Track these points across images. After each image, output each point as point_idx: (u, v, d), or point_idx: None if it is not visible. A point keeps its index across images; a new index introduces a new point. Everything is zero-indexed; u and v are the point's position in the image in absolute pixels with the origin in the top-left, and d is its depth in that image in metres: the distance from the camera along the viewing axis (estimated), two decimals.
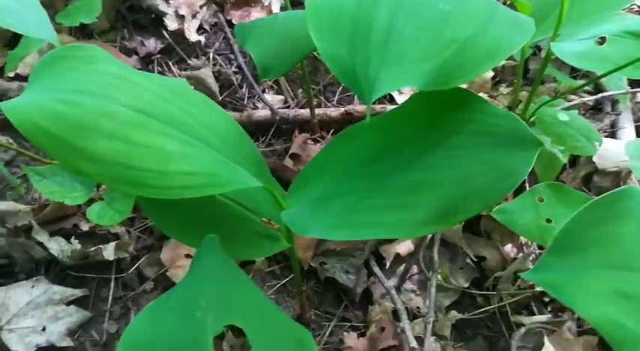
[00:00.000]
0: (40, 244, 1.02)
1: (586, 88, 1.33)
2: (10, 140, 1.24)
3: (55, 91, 0.60)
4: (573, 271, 0.55)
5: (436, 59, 0.56)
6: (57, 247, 1.01)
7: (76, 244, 1.02)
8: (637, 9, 1.52)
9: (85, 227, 1.06)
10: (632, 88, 1.24)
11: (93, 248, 1.02)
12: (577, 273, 0.55)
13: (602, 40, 0.89)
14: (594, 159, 1.17)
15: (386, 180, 0.63)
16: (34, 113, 0.57)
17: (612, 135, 1.30)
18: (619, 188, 0.59)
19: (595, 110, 1.36)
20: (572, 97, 1.26)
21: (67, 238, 1.03)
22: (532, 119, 1.00)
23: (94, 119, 0.58)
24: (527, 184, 1.07)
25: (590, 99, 1.22)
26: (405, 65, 0.55)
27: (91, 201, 0.95)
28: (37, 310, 0.97)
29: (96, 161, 0.56)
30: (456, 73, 0.56)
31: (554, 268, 0.56)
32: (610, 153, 1.19)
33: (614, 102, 1.34)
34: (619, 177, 1.18)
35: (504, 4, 1.39)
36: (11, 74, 1.27)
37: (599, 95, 1.22)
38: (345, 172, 0.69)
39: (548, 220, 0.88)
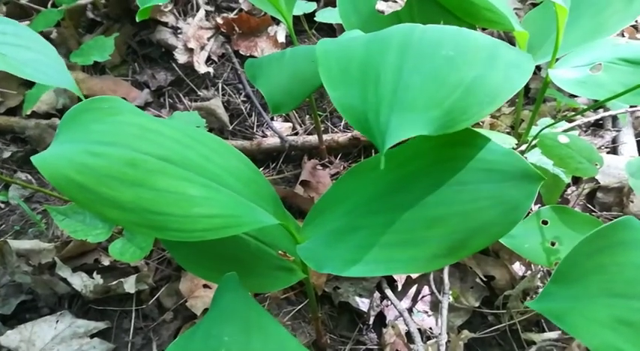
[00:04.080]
0: (64, 279, 1.06)
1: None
2: (29, 176, 1.28)
3: (81, 143, 0.64)
4: (576, 300, 0.58)
5: (442, 105, 0.59)
6: (80, 282, 1.05)
7: (98, 279, 1.05)
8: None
9: (105, 262, 1.10)
10: (632, 106, 1.27)
11: (114, 282, 1.05)
12: (579, 302, 0.57)
13: (597, 66, 0.93)
14: (597, 176, 1.20)
15: (398, 215, 0.66)
16: (62, 166, 0.60)
17: (614, 151, 1.33)
18: (618, 219, 0.62)
19: (596, 127, 1.39)
20: (574, 116, 1.29)
21: (89, 273, 1.07)
22: (534, 142, 1.03)
23: (120, 169, 0.62)
24: (532, 206, 1.10)
25: (590, 118, 1.25)
26: (414, 113, 0.58)
27: (111, 236, 0.99)
28: (62, 344, 1.00)
29: (123, 209, 0.60)
30: (460, 117, 0.59)
31: (558, 297, 0.58)
32: (612, 169, 1.22)
33: (614, 118, 1.37)
34: (622, 193, 1.21)
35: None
36: (28, 112, 1.31)
37: (600, 115, 1.25)
38: (358, 207, 0.71)
39: (553, 243, 0.91)
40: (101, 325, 1.04)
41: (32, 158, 0.61)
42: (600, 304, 0.57)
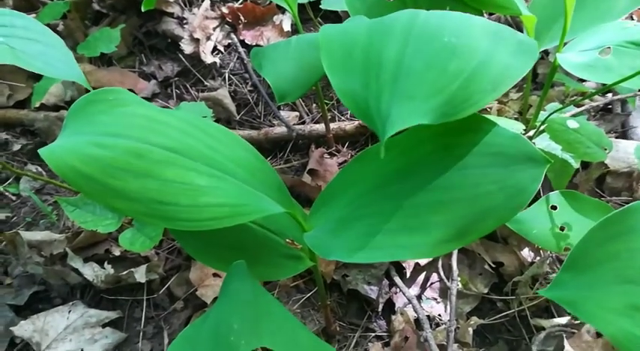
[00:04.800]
0: (75, 270, 1.07)
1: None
2: (39, 168, 1.29)
3: (88, 135, 0.64)
4: (588, 288, 0.57)
5: (444, 93, 0.58)
6: (91, 272, 1.06)
7: (109, 269, 1.06)
8: None
9: (116, 252, 1.11)
10: None
11: (125, 272, 1.06)
12: (592, 289, 0.57)
13: (605, 50, 0.92)
14: (606, 161, 1.19)
15: (404, 202, 0.65)
16: (69, 157, 0.61)
17: (623, 135, 1.31)
18: (629, 205, 0.61)
19: (605, 111, 1.37)
20: (582, 101, 1.27)
21: (100, 263, 1.08)
22: (543, 127, 1.02)
23: (127, 159, 0.62)
24: (541, 191, 1.10)
25: (599, 102, 1.24)
26: (415, 102, 0.58)
27: (121, 226, 1.00)
28: (75, 333, 1.02)
29: (130, 199, 0.60)
30: (462, 105, 0.58)
31: (570, 285, 0.58)
32: (622, 154, 1.21)
33: (623, 102, 1.35)
34: (631, 177, 1.20)
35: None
36: (37, 104, 1.32)
37: (608, 99, 1.24)
38: (364, 194, 0.71)
39: (562, 228, 0.90)
40: (113, 315, 1.05)
41: (40, 151, 0.61)
42: (614, 291, 0.57)
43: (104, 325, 1.04)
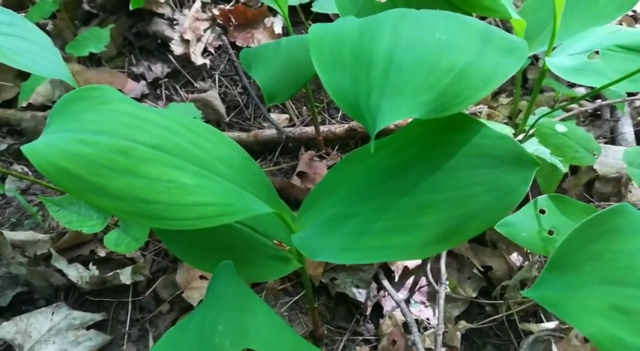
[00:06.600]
0: (59, 271, 1.05)
1: None
2: (25, 168, 1.28)
3: (72, 132, 0.63)
4: (571, 289, 0.57)
5: (434, 89, 0.58)
6: (75, 273, 1.05)
7: (94, 270, 1.05)
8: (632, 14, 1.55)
9: (101, 253, 1.09)
10: (630, 95, 1.26)
11: (110, 273, 1.05)
12: (575, 290, 0.57)
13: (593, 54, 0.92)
14: (595, 166, 1.19)
15: (392, 202, 0.65)
16: (53, 154, 0.59)
17: (612, 141, 1.32)
18: (612, 206, 0.61)
19: (594, 117, 1.38)
20: (571, 106, 1.28)
21: (85, 265, 1.07)
22: (532, 131, 1.03)
23: (111, 157, 0.61)
24: (530, 195, 1.10)
25: (588, 107, 1.25)
26: (405, 97, 0.57)
27: (106, 227, 0.98)
28: (59, 335, 1.00)
29: (114, 197, 0.59)
30: (453, 101, 0.58)
31: (553, 285, 0.58)
32: (610, 159, 1.21)
33: (612, 108, 1.36)
34: (620, 183, 1.20)
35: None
36: (24, 104, 1.30)
37: (597, 104, 1.24)
38: (352, 194, 0.71)
39: (551, 232, 0.90)
40: (97, 317, 1.04)
41: (22, 148, 0.60)
42: (595, 291, 0.56)
43: (88, 327, 1.02)
